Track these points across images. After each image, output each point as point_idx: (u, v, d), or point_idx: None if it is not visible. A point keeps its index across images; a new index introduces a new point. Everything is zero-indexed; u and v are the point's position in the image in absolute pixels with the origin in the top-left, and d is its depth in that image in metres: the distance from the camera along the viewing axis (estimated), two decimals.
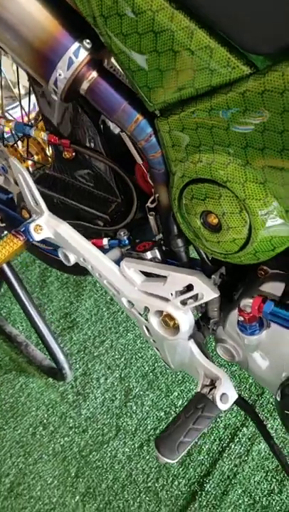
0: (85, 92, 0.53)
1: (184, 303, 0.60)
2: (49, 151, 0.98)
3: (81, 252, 0.67)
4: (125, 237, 0.66)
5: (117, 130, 0.71)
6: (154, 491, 0.97)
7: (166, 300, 0.62)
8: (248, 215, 0.45)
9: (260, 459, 1.03)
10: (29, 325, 1.15)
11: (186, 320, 0.62)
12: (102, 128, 0.71)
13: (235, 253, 0.50)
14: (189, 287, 0.59)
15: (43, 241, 0.76)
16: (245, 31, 0.39)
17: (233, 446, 1.04)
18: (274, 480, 0.99)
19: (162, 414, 1.08)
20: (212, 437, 1.05)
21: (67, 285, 1.34)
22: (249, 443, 1.05)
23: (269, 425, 1.07)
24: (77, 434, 1.04)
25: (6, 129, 0.96)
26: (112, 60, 0.55)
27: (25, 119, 1.01)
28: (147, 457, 1.02)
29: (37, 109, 0.79)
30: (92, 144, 0.71)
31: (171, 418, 1.08)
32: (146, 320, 0.66)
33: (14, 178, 0.81)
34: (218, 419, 1.08)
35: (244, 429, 1.06)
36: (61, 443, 1.03)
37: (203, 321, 0.67)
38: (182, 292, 0.60)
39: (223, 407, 0.64)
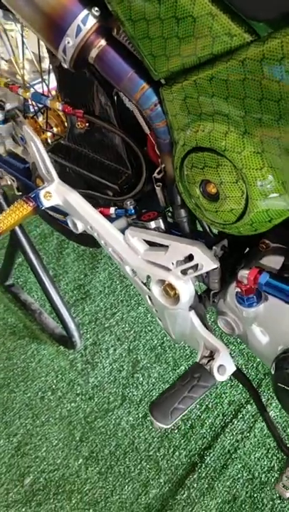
0: (93, 60, 0.53)
1: (184, 272, 0.61)
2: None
3: (88, 220, 0.68)
4: (131, 207, 0.67)
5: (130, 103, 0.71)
6: (155, 459, 1.00)
7: (168, 269, 0.63)
8: (244, 185, 0.46)
9: (262, 436, 1.04)
10: (43, 294, 1.19)
11: (186, 290, 0.63)
12: (116, 100, 0.71)
13: (232, 223, 0.50)
14: (190, 257, 0.60)
15: (56, 210, 0.78)
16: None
17: (236, 422, 1.06)
18: (274, 458, 1.00)
19: (167, 386, 1.10)
20: (215, 412, 1.07)
21: (83, 257, 1.37)
22: (252, 420, 1.06)
23: (274, 404, 1.08)
24: (83, 400, 1.08)
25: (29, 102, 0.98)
26: None
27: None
28: (150, 427, 1.04)
29: None
30: (105, 116, 0.72)
31: None
32: (149, 289, 0.68)
33: None
34: (222, 395, 1.10)
35: (248, 406, 1.08)
36: (68, 408, 1.07)
37: (204, 293, 0.68)
38: (183, 262, 0.61)
39: (219, 378, 0.65)
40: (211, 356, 0.68)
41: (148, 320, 1.23)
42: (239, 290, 0.57)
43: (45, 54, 0.91)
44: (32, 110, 1.02)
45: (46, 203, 0.69)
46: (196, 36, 0.43)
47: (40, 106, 0.95)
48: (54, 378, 1.12)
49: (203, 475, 0.98)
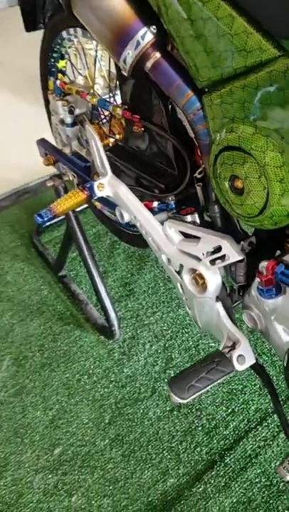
0: (148, 69, 0.62)
1: (212, 262, 0.68)
2: None
3: (133, 211, 0.77)
4: (172, 202, 0.75)
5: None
6: (176, 451, 1.05)
7: (198, 259, 0.70)
8: (266, 181, 0.52)
9: (285, 446, 1.06)
10: (92, 287, 1.28)
11: (213, 279, 0.70)
12: (170, 109, 0.80)
13: (255, 216, 0.57)
14: (219, 249, 0.66)
15: (107, 202, 0.87)
16: (276, 19, 0.46)
17: (260, 429, 1.08)
18: None
19: None
20: (241, 417, 1.10)
21: (131, 258, 1.46)
22: (277, 429, 1.08)
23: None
24: (116, 388, 1.15)
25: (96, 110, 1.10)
26: None
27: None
28: (176, 421, 1.09)
29: None
30: (159, 122, 0.80)
31: (207, 392, 1.14)
32: (181, 278, 0.75)
33: None
34: (249, 402, 1.12)
35: (275, 416, 1.10)
36: (101, 392, 1.14)
37: (232, 288, 0.74)
38: (212, 253, 0.67)
39: (238, 366, 0.71)
40: (233, 347, 0.73)
41: (186, 322, 1.28)
42: (259, 281, 0.63)
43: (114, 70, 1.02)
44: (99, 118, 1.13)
45: (98, 193, 0.78)
46: (233, 51, 0.50)
47: (106, 113, 1.06)
48: (92, 364, 1.20)
49: (222, 473, 1.01)
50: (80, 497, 0.98)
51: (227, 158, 0.56)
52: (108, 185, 0.78)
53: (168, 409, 1.11)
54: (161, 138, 0.81)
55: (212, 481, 1.00)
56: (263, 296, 0.64)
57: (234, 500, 0.98)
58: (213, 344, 1.23)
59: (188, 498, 0.98)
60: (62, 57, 1.17)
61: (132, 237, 1.19)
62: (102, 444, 1.06)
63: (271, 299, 0.64)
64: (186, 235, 0.73)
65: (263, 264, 0.60)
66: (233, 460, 1.03)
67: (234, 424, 1.09)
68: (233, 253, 0.64)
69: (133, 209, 0.77)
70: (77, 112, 1.06)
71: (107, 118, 1.08)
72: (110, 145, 1.11)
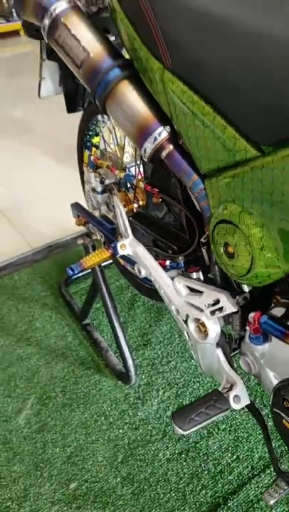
0: (163, 157, 0.79)
1: (212, 313, 0.81)
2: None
3: (149, 268, 0.92)
4: (182, 262, 0.89)
5: None
6: (183, 492, 1.12)
7: (201, 310, 0.83)
8: (250, 248, 0.66)
9: (286, 494, 1.12)
10: (112, 336, 1.41)
11: (213, 328, 0.82)
12: (183, 185, 0.96)
13: (244, 276, 0.70)
14: (217, 301, 0.80)
15: (128, 259, 1.02)
16: (256, 130, 0.62)
17: (263, 476, 1.15)
18: None
19: (205, 432, 1.24)
20: (245, 463, 1.18)
21: (150, 311, 1.59)
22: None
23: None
24: (130, 429, 1.25)
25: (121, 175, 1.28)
26: None
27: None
28: (184, 464, 1.17)
29: None
30: (174, 195, 0.97)
31: (214, 438, 1.23)
32: (187, 326, 0.88)
33: None
34: (254, 450, 1.20)
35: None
36: (116, 433, 1.24)
37: (230, 337, 0.86)
38: (212, 305, 0.81)
39: (233, 405, 0.82)
40: (230, 388, 0.84)
41: (198, 372, 1.39)
42: (249, 329, 0.75)
43: None
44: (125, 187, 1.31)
45: (121, 252, 0.94)
46: (225, 150, 0.66)
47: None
48: (109, 406, 1.31)
49: None
50: None
51: (222, 229, 0.70)
52: (129, 246, 0.94)
53: (177, 452, 1.20)
54: (175, 208, 0.97)
55: None
56: (253, 343, 0.77)
57: None
58: None
59: None
60: (96, 135, 1.37)
61: (150, 290, 1.33)
62: (114, 481, 1.15)
63: (260, 345, 0.76)
64: (192, 290, 0.86)
65: (251, 315, 0.73)
66: (236, 504, 1.10)
67: (238, 470, 1.16)
68: (229, 305, 0.78)
69: (149, 266, 0.91)
70: (106, 182, 1.24)
71: (133, 187, 1.26)
72: (134, 210, 1.28)
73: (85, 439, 1.24)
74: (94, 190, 1.26)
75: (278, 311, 0.75)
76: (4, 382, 1.39)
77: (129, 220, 1.00)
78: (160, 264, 0.91)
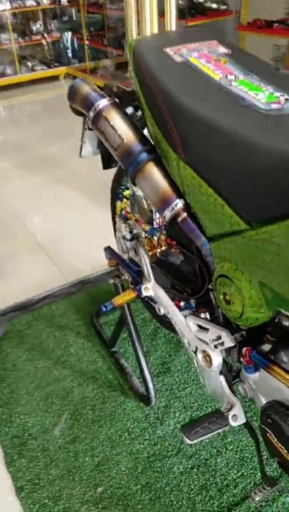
0: (179, 222, 1.02)
1: (216, 346, 1.01)
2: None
3: (167, 308, 1.13)
4: (193, 304, 1.11)
5: None
6: (193, 501, 1.30)
7: (207, 344, 1.04)
8: (241, 297, 0.87)
9: (283, 509, 1.28)
10: (136, 363, 1.62)
11: (216, 358, 1.03)
12: None
13: (238, 318, 0.91)
14: (219, 337, 1.00)
15: (151, 299, 1.24)
16: (247, 211, 0.84)
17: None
18: None
19: (215, 451, 1.42)
20: (249, 480, 1.34)
21: (170, 342, 1.79)
22: (277, 494, 1.31)
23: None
24: (149, 445, 1.44)
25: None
26: None
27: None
28: (195, 477, 1.35)
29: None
30: (189, 248, 1.18)
31: (222, 456, 1.40)
32: (196, 356, 1.08)
33: None
34: (257, 469, 1.37)
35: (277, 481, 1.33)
36: (137, 447, 1.43)
37: (230, 366, 1.06)
38: (215, 340, 1.01)
39: (232, 422, 1.01)
40: (230, 409, 1.04)
41: (210, 398, 1.57)
42: (243, 361, 0.95)
43: None
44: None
45: (144, 293, 1.16)
46: (224, 222, 0.88)
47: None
48: (132, 424, 1.50)
49: None
50: None
51: (221, 282, 0.92)
52: (151, 289, 1.16)
53: (189, 466, 1.38)
54: (190, 258, 1.19)
55: None
56: (247, 372, 0.96)
57: None
58: None
59: None
60: (127, 188, 1.62)
61: (170, 324, 1.54)
62: (134, 488, 1.33)
63: (252, 374, 0.96)
64: (201, 327, 1.07)
65: (244, 349, 0.93)
66: None
67: (243, 485, 1.33)
68: (228, 341, 0.98)
69: (167, 306, 1.13)
70: (134, 231, 1.48)
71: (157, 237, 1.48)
72: (158, 254, 1.50)
73: (111, 451, 1.43)
74: (124, 237, 1.49)
75: (266, 347, 0.95)
76: (43, 399, 1.61)
77: (151, 266, 1.22)
78: (176, 304, 1.12)
